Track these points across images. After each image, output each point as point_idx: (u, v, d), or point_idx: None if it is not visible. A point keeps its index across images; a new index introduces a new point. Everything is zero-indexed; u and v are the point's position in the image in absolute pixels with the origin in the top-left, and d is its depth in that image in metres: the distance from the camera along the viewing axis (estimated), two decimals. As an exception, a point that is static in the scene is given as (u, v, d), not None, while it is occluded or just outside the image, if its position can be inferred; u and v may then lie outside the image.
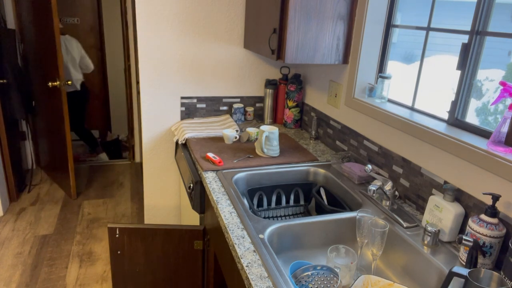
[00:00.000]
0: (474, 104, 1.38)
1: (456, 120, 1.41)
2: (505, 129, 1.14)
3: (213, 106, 2.41)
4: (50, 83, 3.10)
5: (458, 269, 0.95)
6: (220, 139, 2.10)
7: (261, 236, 1.24)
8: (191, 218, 2.15)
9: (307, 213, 1.81)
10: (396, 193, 1.55)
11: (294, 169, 1.78)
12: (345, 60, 1.87)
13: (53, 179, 3.74)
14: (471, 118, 1.39)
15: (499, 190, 1.15)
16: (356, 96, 1.84)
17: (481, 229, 1.10)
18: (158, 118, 2.34)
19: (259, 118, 2.53)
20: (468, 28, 1.33)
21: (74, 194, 3.42)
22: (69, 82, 3.20)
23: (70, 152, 3.27)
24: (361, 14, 1.75)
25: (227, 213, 1.37)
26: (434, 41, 1.53)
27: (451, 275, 0.96)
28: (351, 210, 1.57)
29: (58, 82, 3.08)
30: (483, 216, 1.12)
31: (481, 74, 1.34)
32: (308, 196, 1.82)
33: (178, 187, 2.55)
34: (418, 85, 1.60)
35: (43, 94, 3.41)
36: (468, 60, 1.33)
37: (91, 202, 3.40)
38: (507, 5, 1.24)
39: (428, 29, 1.53)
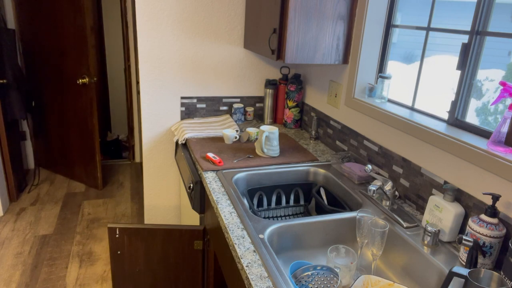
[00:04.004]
0: (474, 104, 1.38)
1: (456, 120, 1.41)
2: (505, 129, 1.14)
3: (213, 106, 2.41)
4: (80, 80, 3.23)
5: (458, 269, 0.95)
6: (220, 139, 2.10)
7: (261, 236, 1.24)
8: (191, 218, 2.15)
9: (307, 213, 1.81)
10: (396, 193, 1.55)
11: (294, 169, 1.78)
12: (345, 60, 1.87)
13: (69, 175, 3.80)
14: (471, 118, 1.39)
15: (499, 190, 1.15)
16: (356, 96, 1.84)
17: (481, 229, 1.10)
18: (158, 118, 2.34)
19: (259, 118, 2.53)
20: (468, 28, 1.33)
21: (100, 185, 3.62)
22: (94, 79, 3.31)
23: (98, 144, 3.43)
24: (361, 14, 1.75)
25: (227, 213, 1.37)
26: (434, 41, 1.53)
27: (451, 275, 0.96)
28: (351, 210, 1.57)
29: (87, 79, 3.23)
30: (483, 216, 1.12)
31: (481, 74, 1.34)
32: (308, 196, 1.82)
33: (178, 187, 2.55)
34: (418, 85, 1.60)
35: (61, 91, 3.49)
36: (468, 60, 1.33)
37: (91, 202, 3.40)
38: (507, 5, 1.24)
39: (428, 29, 1.53)
